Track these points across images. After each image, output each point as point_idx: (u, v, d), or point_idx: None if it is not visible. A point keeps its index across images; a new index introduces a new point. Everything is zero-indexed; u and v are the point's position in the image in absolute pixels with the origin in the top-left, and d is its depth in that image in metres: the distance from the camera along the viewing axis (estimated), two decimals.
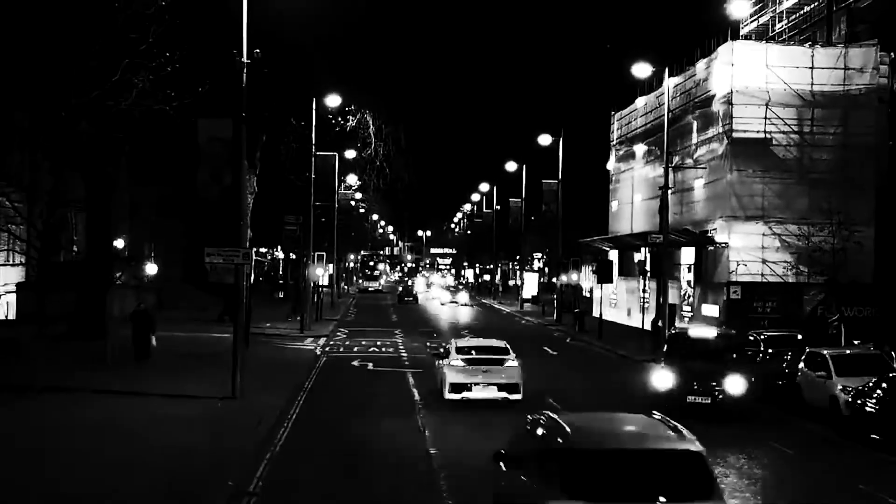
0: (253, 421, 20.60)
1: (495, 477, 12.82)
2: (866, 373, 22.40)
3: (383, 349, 39.72)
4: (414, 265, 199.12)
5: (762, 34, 50.80)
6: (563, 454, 10.65)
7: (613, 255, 58.53)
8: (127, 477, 15.70)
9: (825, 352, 24.47)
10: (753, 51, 42.47)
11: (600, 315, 47.81)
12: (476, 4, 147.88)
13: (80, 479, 15.48)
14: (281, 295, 72.89)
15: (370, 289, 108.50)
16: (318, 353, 37.52)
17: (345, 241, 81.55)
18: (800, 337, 29.39)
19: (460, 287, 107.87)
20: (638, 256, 52.50)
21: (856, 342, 30.39)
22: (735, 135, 41.65)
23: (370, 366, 33.80)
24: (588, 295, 62.02)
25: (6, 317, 40.83)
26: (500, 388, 24.38)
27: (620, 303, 55.92)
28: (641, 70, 40.04)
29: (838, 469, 19.02)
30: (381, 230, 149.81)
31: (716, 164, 43.20)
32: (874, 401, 20.59)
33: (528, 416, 12.68)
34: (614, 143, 60.81)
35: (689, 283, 46.15)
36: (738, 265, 41.25)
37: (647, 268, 45.84)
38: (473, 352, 25.56)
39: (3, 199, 34.36)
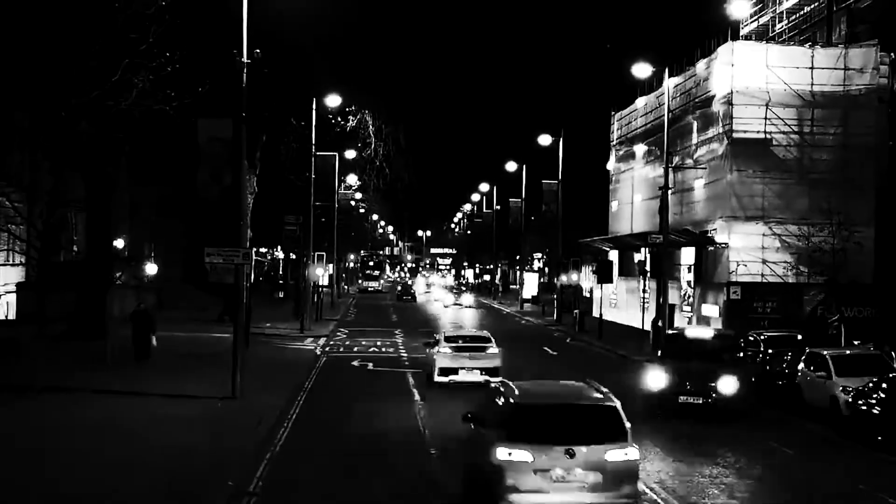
0: (253, 421, 20.60)
1: (465, 434, 15.84)
2: (866, 373, 22.42)
3: (383, 349, 39.73)
4: (414, 265, 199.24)
5: (762, 34, 50.81)
6: (509, 409, 14.03)
7: (613, 255, 58.54)
8: (127, 477, 15.71)
9: (825, 352, 24.48)
10: (753, 51, 42.48)
11: (600, 315, 47.81)
12: (476, 4, 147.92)
13: (80, 478, 15.49)
14: (281, 295, 72.90)
15: (370, 288, 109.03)
16: (318, 353, 37.53)
17: (345, 241, 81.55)
18: (800, 337, 29.40)
19: (464, 288, 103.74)
20: (638, 256, 52.51)
21: (856, 342, 30.40)
22: (735, 135, 41.66)
23: (370, 366, 33.81)
24: (588, 295, 62.03)
25: (6, 317, 40.84)
26: (483, 371, 27.18)
27: (620, 303, 55.92)
28: (641, 70, 40.04)
29: (838, 469, 19.02)
30: (381, 230, 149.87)
31: (716, 164, 43.21)
32: (874, 401, 20.60)
33: (490, 386, 16.15)
34: (614, 143, 60.81)
35: (689, 283, 46.16)
36: (738, 265, 41.26)
37: (647, 268, 45.85)
38: (460, 341, 29.05)
39: (3, 199, 34.35)
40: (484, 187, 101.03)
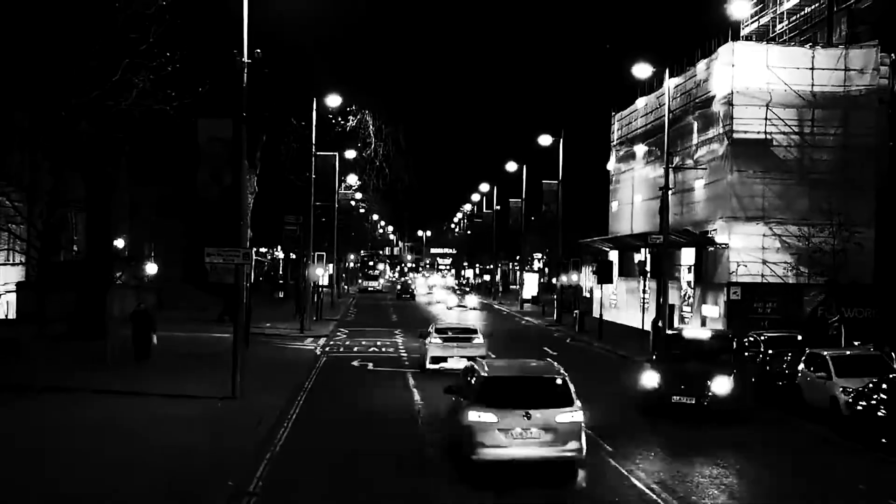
0: (253, 421, 20.60)
1: (446, 405, 19.51)
2: (866, 374, 22.43)
3: (383, 349, 39.73)
4: (414, 265, 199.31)
5: (763, 35, 50.82)
6: (479, 381, 17.49)
7: (613, 255, 58.53)
8: (127, 477, 15.71)
9: (825, 353, 24.48)
10: (754, 51, 42.48)
11: (600, 315, 47.81)
12: (476, 5, 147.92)
13: (79, 478, 15.49)
14: (281, 295, 72.90)
15: (370, 288, 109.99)
16: (318, 353, 37.53)
17: (345, 241, 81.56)
18: (800, 338, 29.39)
19: (467, 289, 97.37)
20: (638, 257, 52.49)
21: (856, 343, 30.41)
22: (735, 135, 41.65)
23: (370, 366, 33.80)
24: (588, 295, 62.00)
25: (6, 317, 40.85)
26: (470, 359, 27.35)
27: (620, 303, 55.91)
28: (642, 70, 40.03)
29: (838, 469, 19.01)
30: (381, 230, 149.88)
31: (716, 164, 43.20)
32: (874, 402, 20.59)
33: (466, 364, 20.67)
34: (614, 143, 60.80)
35: (689, 283, 46.14)
36: (738, 266, 41.26)
37: (648, 268, 45.84)
38: (449, 332, 32.70)
39: (3, 198, 34.34)
40: (484, 187, 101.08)
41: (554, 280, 69.25)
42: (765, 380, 26.66)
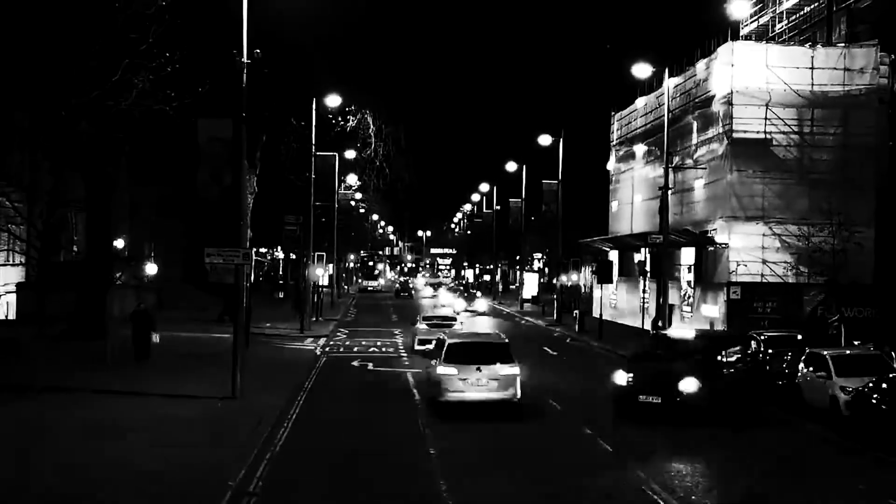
0: (253, 421, 20.60)
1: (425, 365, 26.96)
2: (866, 373, 22.43)
3: (383, 349, 39.71)
4: (414, 265, 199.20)
5: (762, 34, 50.82)
6: (445, 345, 23.77)
7: (613, 255, 58.53)
8: (127, 477, 15.70)
9: (825, 352, 24.47)
10: (753, 51, 42.48)
11: (600, 315, 47.81)
12: (476, 5, 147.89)
13: (79, 478, 15.48)
14: (281, 295, 72.88)
15: (370, 287, 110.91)
16: (318, 353, 37.53)
17: (345, 241, 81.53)
18: (800, 337, 29.38)
19: (477, 292, 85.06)
20: (638, 257, 52.50)
21: (856, 343, 30.41)
22: (735, 135, 41.66)
23: (370, 366, 33.80)
24: (588, 294, 61.98)
25: (6, 317, 40.84)
26: None
27: (620, 303, 55.92)
28: (641, 70, 40.05)
29: (838, 469, 19.02)
30: (381, 230, 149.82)
31: (716, 164, 43.20)
32: (874, 401, 20.59)
33: (440, 336, 25.79)
34: (614, 143, 60.80)
35: (689, 283, 46.14)
36: (738, 265, 41.26)
37: (647, 268, 45.83)
38: (434, 319, 39.75)
39: (3, 199, 34.35)
40: (484, 187, 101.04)
41: (554, 280, 69.19)
42: (765, 379, 26.65)
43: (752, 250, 41.37)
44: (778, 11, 50.85)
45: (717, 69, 42.76)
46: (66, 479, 15.42)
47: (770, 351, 28.14)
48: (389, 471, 17.54)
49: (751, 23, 52.65)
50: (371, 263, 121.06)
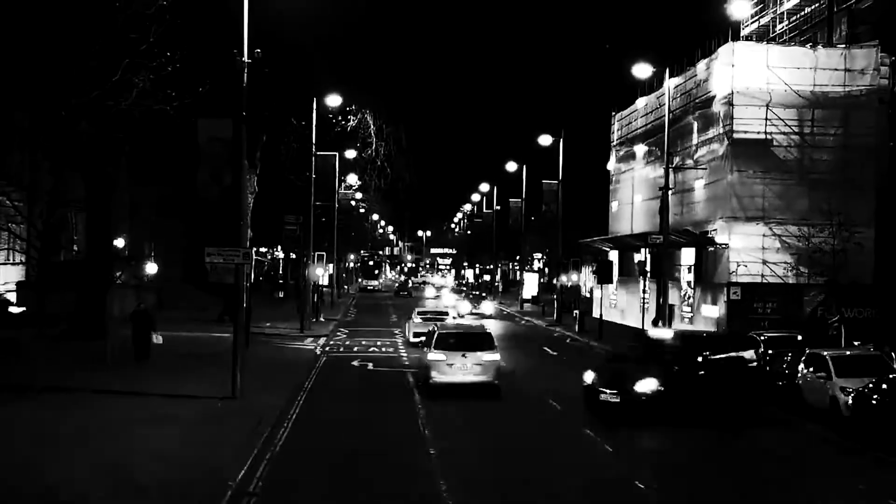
0: (253, 421, 20.59)
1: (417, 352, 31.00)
2: (866, 374, 22.43)
3: (383, 349, 39.72)
4: (414, 265, 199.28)
5: (763, 35, 50.79)
6: (435, 335, 27.10)
7: (613, 255, 58.52)
8: (127, 477, 15.70)
9: (825, 353, 24.48)
10: (754, 52, 42.46)
11: (600, 315, 47.82)
12: (476, 5, 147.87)
13: (79, 479, 15.47)
14: (281, 295, 72.85)
15: (370, 287, 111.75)
16: (318, 353, 37.52)
17: (345, 241, 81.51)
18: (800, 338, 29.41)
19: (483, 294, 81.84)
20: (638, 257, 52.48)
21: (856, 343, 30.41)
22: (735, 135, 41.64)
23: (370, 366, 33.81)
24: (588, 295, 61.97)
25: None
26: None
27: (620, 303, 55.91)
28: (642, 70, 40.05)
29: (838, 469, 19.03)
30: (381, 230, 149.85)
31: (716, 164, 43.19)
32: (874, 402, 20.59)
33: (432, 327, 28.96)
34: (614, 143, 60.78)
35: (689, 283, 46.13)
36: (738, 266, 41.25)
37: (648, 268, 45.81)
38: (429, 314, 43.41)
39: (4, 198, 34.34)
40: (484, 187, 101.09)
41: (554, 280, 69.18)
42: (765, 379, 26.63)
43: (752, 251, 41.36)
44: (778, 12, 50.83)
45: (718, 69, 42.74)
46: (65, 480, 15.40)
47: (770, 351, 28.15)
48: (389, 471, 17.54)
49: (751, 23, 52.64)
50: (371, 263, 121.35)
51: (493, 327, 51.90)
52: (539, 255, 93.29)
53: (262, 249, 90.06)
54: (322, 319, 53.38)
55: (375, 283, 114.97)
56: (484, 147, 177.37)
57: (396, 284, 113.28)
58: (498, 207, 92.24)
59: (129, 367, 28.11)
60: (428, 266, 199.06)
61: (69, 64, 28.81)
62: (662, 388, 22.65)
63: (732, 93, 41.66)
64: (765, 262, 41.12)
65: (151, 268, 53.53)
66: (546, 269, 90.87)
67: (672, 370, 23.43)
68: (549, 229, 67.33)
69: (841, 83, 41.27)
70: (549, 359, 38.26)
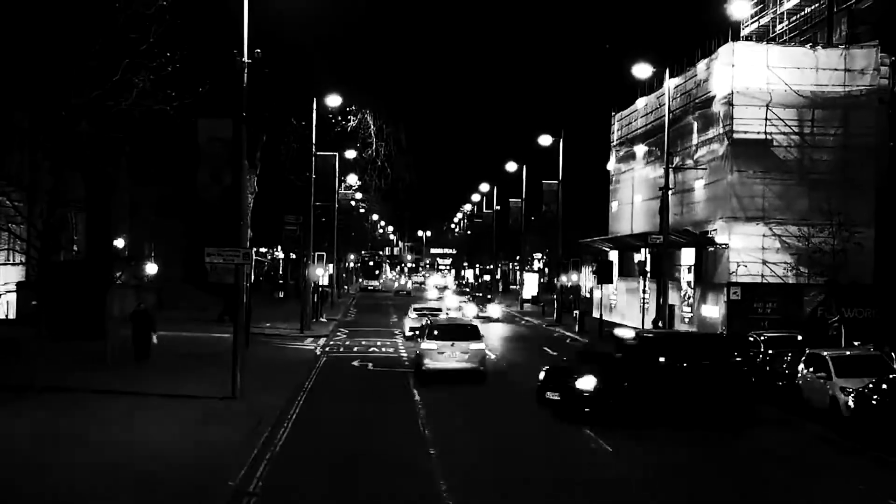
0: (253, 421, 20.60)
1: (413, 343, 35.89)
2: (866, 374, 22.44)
3: (383, 349, 39.73)
4: (414, 265, 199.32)
5: (763, 35, 50.79)
6: (427, 326, 31.72)
7: (613, 255, 58.52)
8: (126, 477, 15.70)
9: (825, 353, 24.49)
10: (754, 52, 42.45)
11: (600, 316, 47.81)
12: (476, 5, 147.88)
13: (78, 479, 15.47)
14: (281, 295, 72.86)
15: (370, 287, 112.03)
16: (318, 353, 37.54)
17: (345, 241, 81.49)
18: (800, 338, 29.41)
19: (489, 296, 75.57)
20: (638, 257, 52.50)
21: (856, 343, 30.42)
22: (735, 136, 41.63)
23: (370, 366, 33.82)
24: (588, 295, 61.95)
25: (6, 316, 40.81)
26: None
27: (620, 303, 55.90)
28: (642, 70, 40.06)
29: (839, 469, 19.03)
30: (381, 230, 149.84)
31: (716, 164, 43.19)
32: (874, 402, 20.59)
33: (426, 321, 35.10)
34: (614, 143, 60.77)
35: (689, 283, 46.14)
36: (738, 266, 41.24)
37: (648, 268, 45.80)
38: (423, 310, 46.18)
39: (4, 198, 34.29)
40: (484, 187, 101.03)
41: (554, 280, 69.15)
42: (765, 379, 26.66)
43: (752, 251, 41.35)
44: (778, 12, 50.82)
45: (718, 70, 42.74)
46: (65, 481, 15.40)
47: (770, 351, 28.16)
48: (389, 471, 17.54)
49: (751, 23, 52.63)
50: (371, 263, 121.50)
51: (500, 330, 51.96)
52: (539, 255, 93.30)
53: (262, 249, 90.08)
54: (322, 319, 53.41)
55: (376, 283, 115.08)
56: (484, 147, 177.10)
57: (396, 284, 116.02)
58: (498, 207, 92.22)
59: (129, 367, 28.12)
60: (428, 266, 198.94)
61: (69, 64, 28.78)
62: (601, 387, 22.68)
63: (732, 93, 41.66)
64: (765, 263, 41.11)
65: (151, 268, 53.55)
66: (546, 269, 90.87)
67: (614, 369, 23.39)
68: (549, 229, 67.32)
69: (841, 83, 41.26)
70: (550, 359, 38.22)
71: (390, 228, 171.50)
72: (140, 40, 28.70)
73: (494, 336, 47.49)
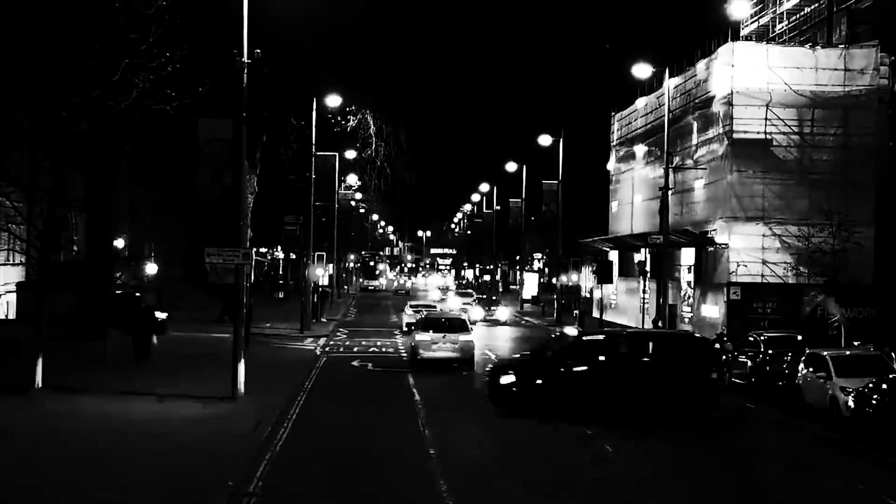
0: (253, 421, 20.59)
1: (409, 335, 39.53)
2: (866, 374, 22.44)
3: (383, 349, 39.74)
4: (414, 265, 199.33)
5: (762, 35, 50.80)
6: (421, 319, 35.92)
7: (613, 255, 58.53)
8: (126, 477, 15.69)
9: (825, 353, 24.50)
10: (754, 52, 42.45)
11: (600, 316, 47.82)
12: (476, 5, 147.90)
13: (78, 478, 15.46)
14: (281, 295, 72.84)
15: (370, 287, 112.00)
16: (318, 353, 37.54)
17: (345, 241, 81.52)
18: (800, 338, 29.42)
19: (494, 298, 68.81)
20: (638, 257, 52.51)
21: (856, 343, 30.42)
22: (735, 135, 41.63)
23: (370, 366, 33.83)
24: (588, 295, 61.97)
25: (6, 317, 40.81)
26: None
27: (620, 303, 55.91)
28: (641, 70, 40.08)
29: (838, 469, 19.03)
30: (381, 230, 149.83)
31: (716, 164, 43.19)
32: (874, 401, 20.60)
33: (421, 314, 39.55)
34: (614, 143, 60.76)
35: (689, 283, 46.15)
36: (738, 266, 41.23)
37: (647, 268, 45.80)
38: (419, 306, 50.17)
39: (3, 198, 34.29)
40: (484, 187, 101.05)
41: (554, 280, 69.15)
42: (764, 379, 26.67)
43: (752, 251, 41.35)
44: (778, 12, 50.84)
45: (718, 69, 42.73)
46: (65, 481, 15.39)
47: (770, 351, 28.17)
48: (390, 471, 17.53)
49: (751, 23, 52.65)
50: (371, 264, 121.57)
51: (506, 333, 51.75)
52: (539, 255, 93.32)
53: (262, 249, 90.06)
54: (322, 319, 53.41)
55: (376, 283, 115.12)
56: (484, 147, 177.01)
57: (395, 284, 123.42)
58: (498, 207, 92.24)
59: (129, 367, 28.13)
60: (428, 266, 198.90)
61: (69, 64, 28.78)
62: (516, 382, 23.90)
63: (732, 93, 41.66)
64: (765, 262, 41.11)
65: (151, 268, 53.51)
66: (546, 269, 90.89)
67: (531, 366, 24.82)
68: (549, 229, 67.32)
69: (841, 83, 41.27)
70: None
71: (390, 228, 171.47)
72: (140, 40, 28.68)
73: (501, 338, 47.44)
